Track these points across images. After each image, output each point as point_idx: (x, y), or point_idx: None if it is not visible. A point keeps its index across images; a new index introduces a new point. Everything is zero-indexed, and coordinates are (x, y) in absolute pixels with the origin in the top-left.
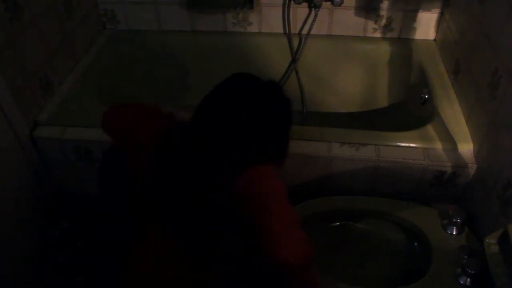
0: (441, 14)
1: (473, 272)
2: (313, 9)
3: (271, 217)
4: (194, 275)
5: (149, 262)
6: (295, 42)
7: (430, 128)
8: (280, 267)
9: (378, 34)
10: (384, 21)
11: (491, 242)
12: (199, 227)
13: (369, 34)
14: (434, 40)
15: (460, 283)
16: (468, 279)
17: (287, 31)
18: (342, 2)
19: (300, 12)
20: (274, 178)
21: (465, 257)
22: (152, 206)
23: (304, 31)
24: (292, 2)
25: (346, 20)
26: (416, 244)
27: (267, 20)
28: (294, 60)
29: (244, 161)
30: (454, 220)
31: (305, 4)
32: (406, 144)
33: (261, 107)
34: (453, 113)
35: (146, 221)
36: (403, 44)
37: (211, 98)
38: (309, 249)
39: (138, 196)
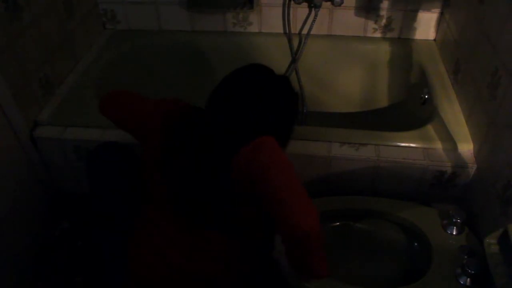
0: (441, 14)
1: (473, 272)
2: (313, 9)
3: (278, 185)
4: (199, 254)
5: (156, 242)
6: (295, 42)
7: (430, 128)
8: (292, 234)
9: (378, 34)
10: (384, 21)
11: (491, 242)
12: (206, 204)
13: (369, 34)
14: (434, 40)
15: (460, 283)
16: (468, 279)
17: (287, 31)
18: (342, 2)
19: (300, 12)
20: (275, 145)
21: (465, 257)
22: (159, 185)
23: (304, 31)
24: (292, 2)
25: (346, 20)
26: (416, 244)
27: (267, 20)
28: (294, 60)
29: (247, 142)
30: (454, 220)
31: (305, 4)
32: (406, 144)
33: (272, 97)
34: (453, 113)
35: (152, 199)
36: (403, 44)
37: (226, 85)
38: (317, 216)
39: (146, 174)
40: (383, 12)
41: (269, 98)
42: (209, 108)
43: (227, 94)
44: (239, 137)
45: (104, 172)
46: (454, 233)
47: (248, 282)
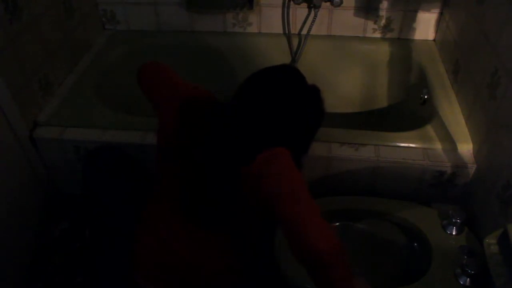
0: (441, 14)
1: (472, 272)
2: (312, 10)
3: (289, 202)
4: (203, 249)
5: (162, 235)
6: (295, 43)
7: (429, 128)
8: (309, 257)
9: (377, 35)
10: (383, 21)
11: (491, 242)
12: (209, 203)
13: (369, 35)
14: (434, 40)
15: (460, 283)
16: (468, 279)
17: (287, 32)
18: (341, 3)
19: (299, 12)
20: (290, 160)
21: (465, 257)
22: (169, 176)
23: (304, 32)
24: (291, 2)
25: (346, 21)
26: (416, 244)
27: (266, 20)
28: (293, 61)
29: (268, 146)
30: (453, 220)
31: (304, 5)
32: (406, 144)
33: (301, 109)
34: (453, 113)
35: (160, 193)
36: (402, 44)
37: (255, 83)
38: (334, 235)
39: (157, 164)
40: (383, 13)
41: (298, 109)
42: (232, 104)
43: (254, 93)
44: (257, 144)
45: (100, 175)
46: (454, 233)
47: (248, 281)
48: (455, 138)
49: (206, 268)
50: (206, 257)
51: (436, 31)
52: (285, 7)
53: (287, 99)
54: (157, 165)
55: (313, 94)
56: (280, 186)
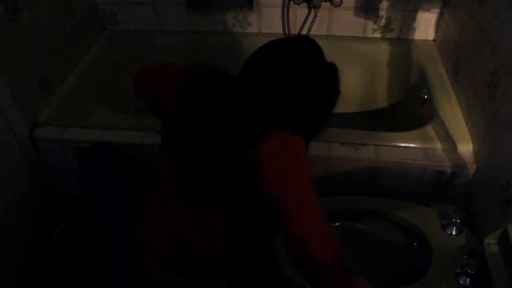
0: (441, 14)
1: (472, 272)
2: (312, 10)
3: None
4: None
5: (164, 219)
6: None
7: (429, 128)
8: (304, 263)
9: (377, 35)
10: (383, 21)
11: (491, 242)
12: (216, 182)
13: (369, 35)
14: (434, 40)
15: (460, 283)
16: (468, 279)
17: (287, 32)
18: (341, 3)
19: (299, 12)
20: (302, 157)
21: (465, 257)
22: (171, 157)
23: (304, 32)
24: (291, 2)
25: (346, 21)
26: (416, 244)
27: (266, 20)
28: None
29: (276, 125)
30: (453, 220)
31: (304, 5)
32: (406, 144)
33: (318, 86)
34: (453, 113)
35: (162, 178)
36: (402, 44)
37: (270, 54)
38: (338, 249)
39: (161, 150)
40: (383, 13)
41: (313, 85)
42: (241, 76)
43: (266, 65)
44: (265, 122)
45: (97, 173)
46: (453, 233)
47: (248, 279)
48: (455, 138)
49: (206, 251)
50: (207, 240)
51: (436, 31)
52: (285, 7)
53: (301, 73)
54: (160, 154)
55: (330, 72)
56: (286, 189)
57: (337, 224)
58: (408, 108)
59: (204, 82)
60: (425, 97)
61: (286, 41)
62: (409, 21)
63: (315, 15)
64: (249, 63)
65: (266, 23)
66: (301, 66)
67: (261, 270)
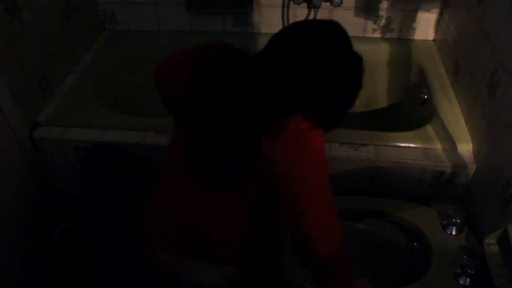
0: (440, 14)
1: (472, 272)
2: (312, 10)
3: (305, 202)
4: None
5: (172, 203)
6: None
7: (429, 128)
8: (308, 260)
9: (377, 35)
10: (383, 21)
11: (491, 242)
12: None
13: (369, 35)
14: (434, 40)
15: (460, 283)
16: (468, 279)
17: None
18: (341, 3)
19: (299, 12)
20: (319, 156)
21: (465, 257)
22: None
23: None
24: (291, 2)
25: (346, 21)
26: (415, 244)
27: (266, 20)
28: None
29: (295, 112)
30: (453, 220)
31: (304, 5)
32: (406, 144)
33: (341, 72)
34: (453, 113)
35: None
36: (402, 44)
37: (296, 35)
38: (343, 250)
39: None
40: (383, 13)
41: (337, 73)
42: (263, 56)
43: (293, 47)
44: (284, 107)
45: (97, 173)
46: (453, 233)
47: (248, 277)
48: (455, 138)
49: (217, 237)
50: (218, 225)
51: (436, 31)
52: (285, 7)
53: (327, 59)
54: (173, 137)
55: (357, 62)
56: (296, 188)
57: None
58: (408, 108)
59: (218, 61)
60: (425, 97)
61: (316, 24)
62: (409, 21)
63: (315, 15)
64: (273, 42)
65: (266, 23)
66: (329, 51)
67: (266, 267)
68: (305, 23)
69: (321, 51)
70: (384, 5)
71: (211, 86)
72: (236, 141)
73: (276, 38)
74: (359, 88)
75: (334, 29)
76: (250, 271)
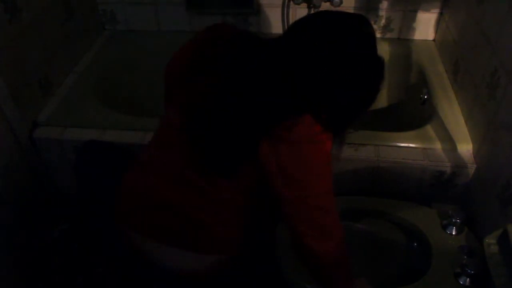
0: (440, 14)
1: (472, 272)
2: (312, 10)
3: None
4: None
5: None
6: None
7: (429, 128)
8: (305, 257)
9: (377, 35)
10: (383, 21)
11: (491, 242)
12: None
13: None
14: (434, 40)
15: (460, 283)
16: (468, 279)
17: None
18: (341, 3)
19: (299, 12)
20: (326, 152)
21: (465, 257)
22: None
23: None
24: (291, 2)
25: None
26: (415, 244)
27: (266, 20)
28: None
29: (304, 112)
30: (453, 220)
31: (304, 5)
32: (406, 144)
33: (361, 74)
34: (453, 113)
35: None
36: (402, 44)
37: (318, 26)
38: (342, 249)
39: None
40: (383, 13)
41: (360, 72)
42: (279, 43)
43: (312, 40)
44: (293, 104)
45: (95, 173)
46: (453, 233)
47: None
48: (455, 138)
49: (206, 223)
50: (209, 212)
51: (436, 31)
52: (285, 7)
53: (348, 58)
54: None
55: (379, 66)
56: (292, 185)
57: None
58: (408, 108)
59: (229, 41)
60: (425, 97)
61: (342, 16)
62: (409, 21)
63: None
64: (293, 30)
65: (266, 23)
66: (351, 49)
67: (262, 265)
68: (332, 13)
69: (344, 47)
70: (384, 5)
71: (220, 65)
72: (238, 129)
73: (298, 27)
74: (377, 93)
75: (364, 26)
76: (235, 262)
